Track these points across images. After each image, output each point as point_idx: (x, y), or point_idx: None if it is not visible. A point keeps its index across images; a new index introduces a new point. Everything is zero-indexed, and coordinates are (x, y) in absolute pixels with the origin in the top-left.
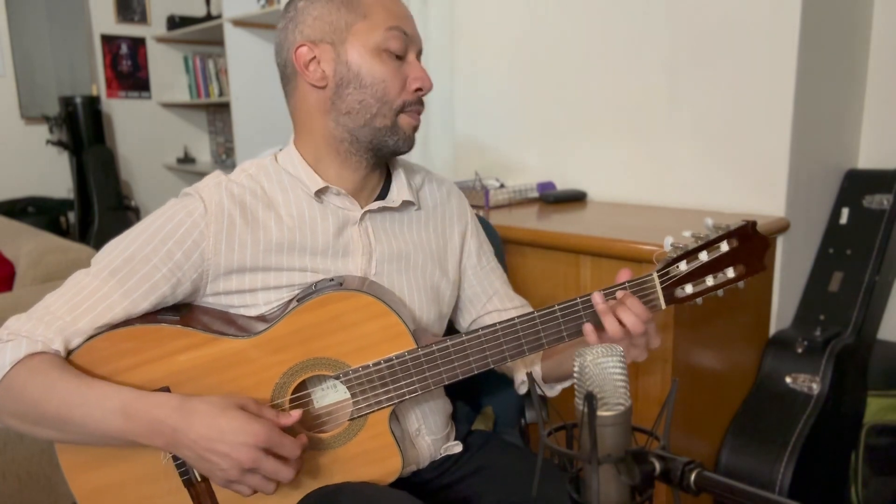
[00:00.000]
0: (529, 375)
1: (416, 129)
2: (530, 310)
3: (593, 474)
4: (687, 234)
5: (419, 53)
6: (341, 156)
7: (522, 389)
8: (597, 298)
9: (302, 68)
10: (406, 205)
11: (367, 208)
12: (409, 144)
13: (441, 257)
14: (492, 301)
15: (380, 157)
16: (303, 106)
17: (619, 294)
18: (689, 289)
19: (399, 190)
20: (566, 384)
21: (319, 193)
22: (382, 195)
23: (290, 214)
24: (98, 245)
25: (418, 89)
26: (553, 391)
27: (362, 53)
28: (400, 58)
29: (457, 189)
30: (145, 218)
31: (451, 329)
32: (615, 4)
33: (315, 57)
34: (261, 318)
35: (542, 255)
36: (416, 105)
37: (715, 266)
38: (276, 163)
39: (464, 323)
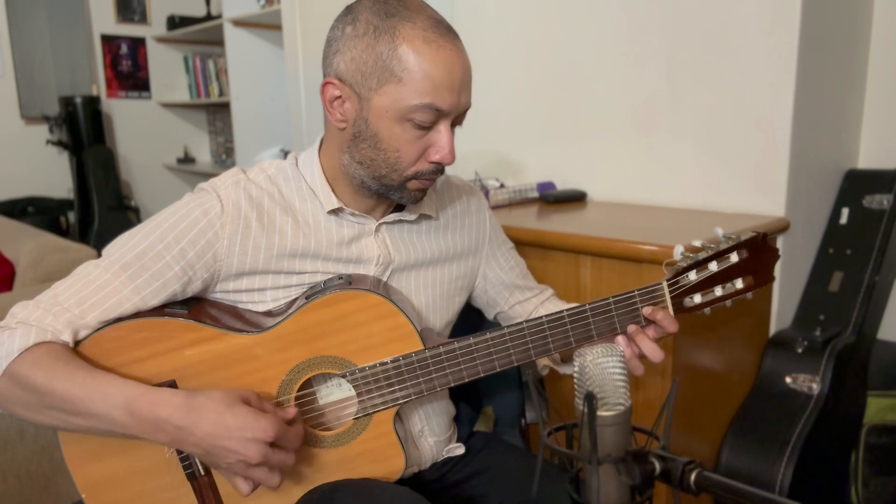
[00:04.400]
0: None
1: (425, 191)
2: (550, 293)
3: (593, 474)
4: (697, 242)
5: (460, 116)
6: (354, 185)
7: (545, 371)
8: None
9: (326, 104)
10: (423, 216)
11: (382, 220)
12: (414, 201)
13: (456, 266)
14: (514, 295)
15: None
16: (328, 130)
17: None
18: (697, 298)
19: (417, 203)
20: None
21: (334, 212)
22: (400, 207)
23: (305, 222)
24: (98, 245)
25: (437, 161)
26: (571, 369)
27: (384, 117)
28: (426, 127)
29: (477, 193)
30: (160, 212)
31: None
32: (615, 4)
33: (340, 97)
34: (268, 314)
35: (542, 255)
36: (430, 174)
37: (724, 276)
38: (296, 168)
39: (490, 317)
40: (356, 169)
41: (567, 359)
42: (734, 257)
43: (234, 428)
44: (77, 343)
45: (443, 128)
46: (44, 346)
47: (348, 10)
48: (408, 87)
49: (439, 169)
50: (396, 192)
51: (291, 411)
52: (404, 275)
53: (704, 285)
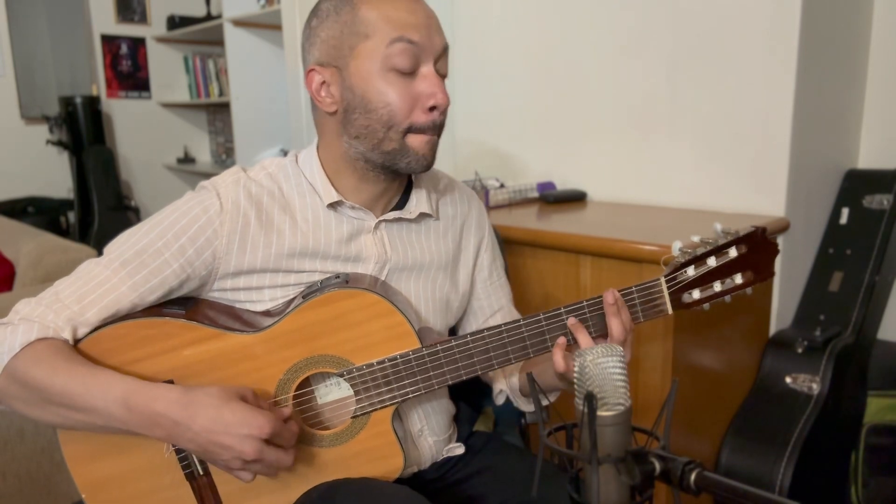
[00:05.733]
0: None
1: (432, 147)
2: None
3: (593, 474)
4: (696, 238)
5: (440, 57)
6: (359, 172)
7: (500, 400)
8: (609, 298)
9: (314, 94)
10: (423, 216)
11: (381, 218)
12: (424, 164)
13: (454, 268)
14: (495, 317)
15: (398, 173)
16: (321, 123)
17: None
18: (696, 294)
19: (418, 201)
20: (550, 397)
21: (333, 206)
22: (400, 205)
23: (304, 219)
24: (98, 245)
25: (432, 108)
26: (530, 406)
27: (365, 76)
28: (410, 73)
29: (478, 200)
30: (161, 210)
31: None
32: (615, 4)
33: (325, 81)
34: (266, 314)
35: (542, 255)
36: (428, 127)
37: (723, 272)
38: (296, 165)
39: (463, 332)
40: (356, 147)
41: (528, 393)
42: (733, 252)
43: (231, 424)
44: (77, 341)
45: (425, 70)
46: (45, 343)
47: (312, 10)
48: (376, 38)
49: (436, 121)
50: (401, 157)
51: (286, 410)
52: (403, 276)
53: (703, 281)
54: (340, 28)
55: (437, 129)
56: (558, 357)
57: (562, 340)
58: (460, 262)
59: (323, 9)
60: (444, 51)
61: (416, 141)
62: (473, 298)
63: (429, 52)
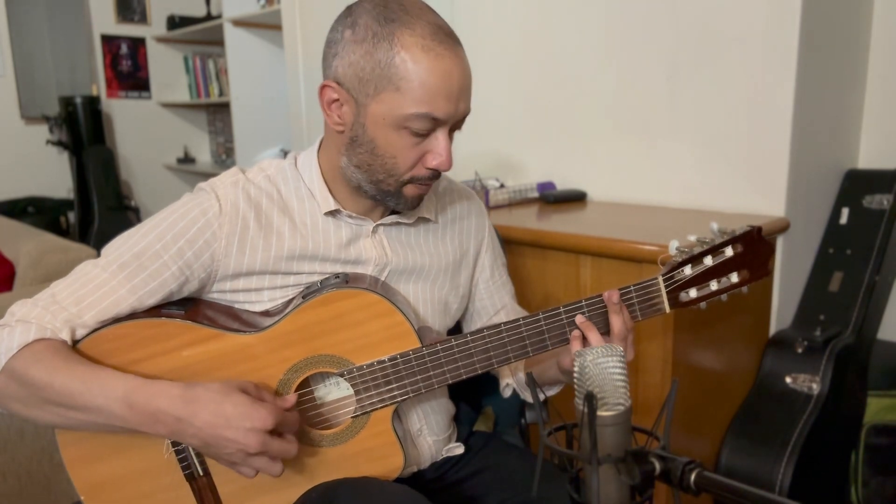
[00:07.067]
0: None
1: (422, 197)
2: None
3: (593, 474)
4: (692, 237)
5: (459, 122)
6: (352, 186)
7: (507, 392)
8: (613, 297)
9: (325, 106)
10: (422, 220)
11: (379, 222)
12: (411, 207)
13: (454, 271)
14: (499, 314)
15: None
16: (327, 131)
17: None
18: (693, 293)
19: (413, 209)
20: (550, 392)
21: (331, 213)
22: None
23: (303, 223)
24: (98, 245)
25: (434, 167)
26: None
27: (380, 124)
28: (422, 134)
29: (478, 202)
30: (158, 212)
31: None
32: (615, 4)
33: (338, 100)
34: (265, 314)
35: (542, 255)
36: (426, 179)
37: (719, 271)
38: (295, 168)
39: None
40: (353, 172)
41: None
42: (729, 251)
43: (233, 417)
44: (75, 343)
45: (440, 135)
46: (43, 342)
47: (348, 11)
48: (405, 96)
49: (436, 175)
50: (393, 199)
51: (291, 398)
52: (403, 278)
53: (700, 280)
54: (372, 65)
55: (433, 179)
56: (576, 347)
57: (577, 332)
58: (461, 265)
59: (361, 26)
60: (465, 116)
61: (412, 190)
62: (476, 299)
63: (449, 121)
